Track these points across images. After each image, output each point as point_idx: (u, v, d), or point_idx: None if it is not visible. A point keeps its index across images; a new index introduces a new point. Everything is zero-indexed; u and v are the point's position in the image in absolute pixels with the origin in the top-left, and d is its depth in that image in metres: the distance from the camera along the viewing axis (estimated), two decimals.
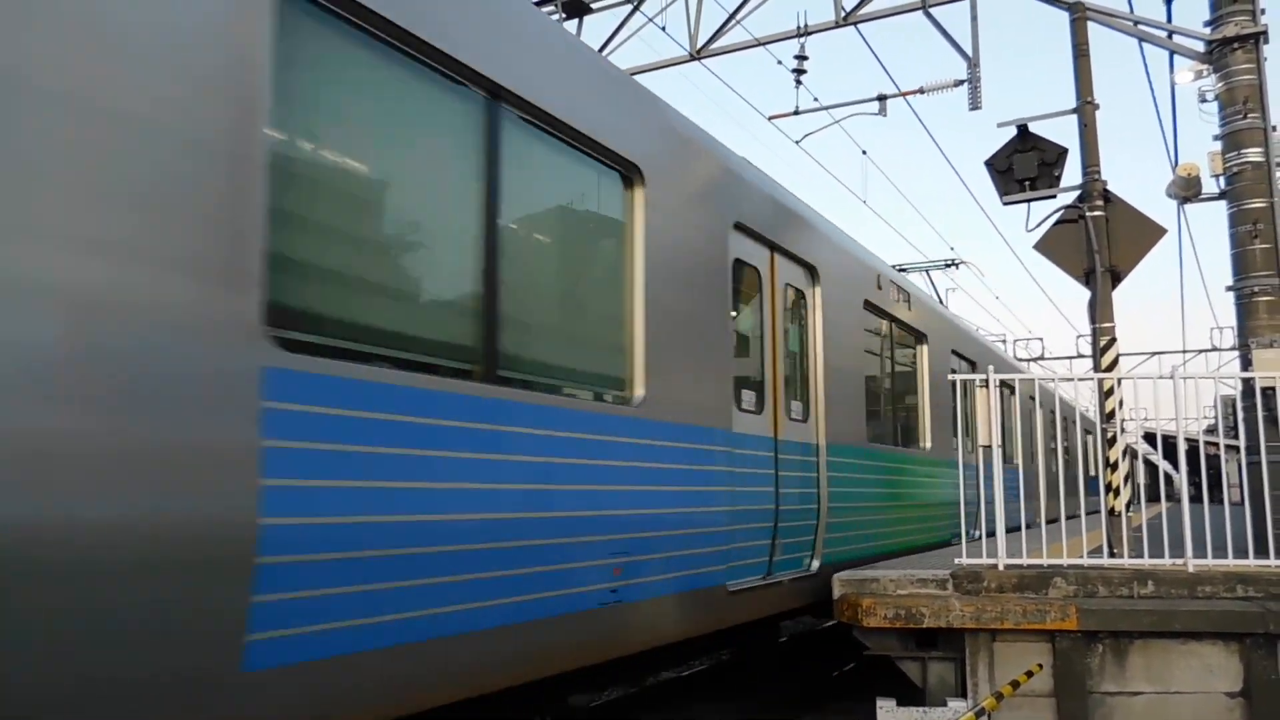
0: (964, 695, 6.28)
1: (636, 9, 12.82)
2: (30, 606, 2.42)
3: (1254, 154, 8.14)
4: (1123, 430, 7.66)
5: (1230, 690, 6.00)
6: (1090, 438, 23.95)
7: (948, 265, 16.11)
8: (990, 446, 6.90)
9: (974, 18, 10.85)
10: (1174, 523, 6.77)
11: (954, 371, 11.94)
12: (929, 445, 10.63)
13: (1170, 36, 8.93)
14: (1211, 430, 32.23)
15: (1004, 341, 33.42)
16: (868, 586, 6.79)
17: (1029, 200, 8.73)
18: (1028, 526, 7.26)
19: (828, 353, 7.83)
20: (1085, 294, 8.20)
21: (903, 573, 6.83)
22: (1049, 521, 7.29)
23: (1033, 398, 16.03)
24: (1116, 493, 7.49)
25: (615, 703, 8.69)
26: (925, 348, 10.83)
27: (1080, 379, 8.43)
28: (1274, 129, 8.57)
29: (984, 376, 6.89)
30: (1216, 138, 8.55)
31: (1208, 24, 8.46)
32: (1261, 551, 6.54)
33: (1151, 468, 37.29)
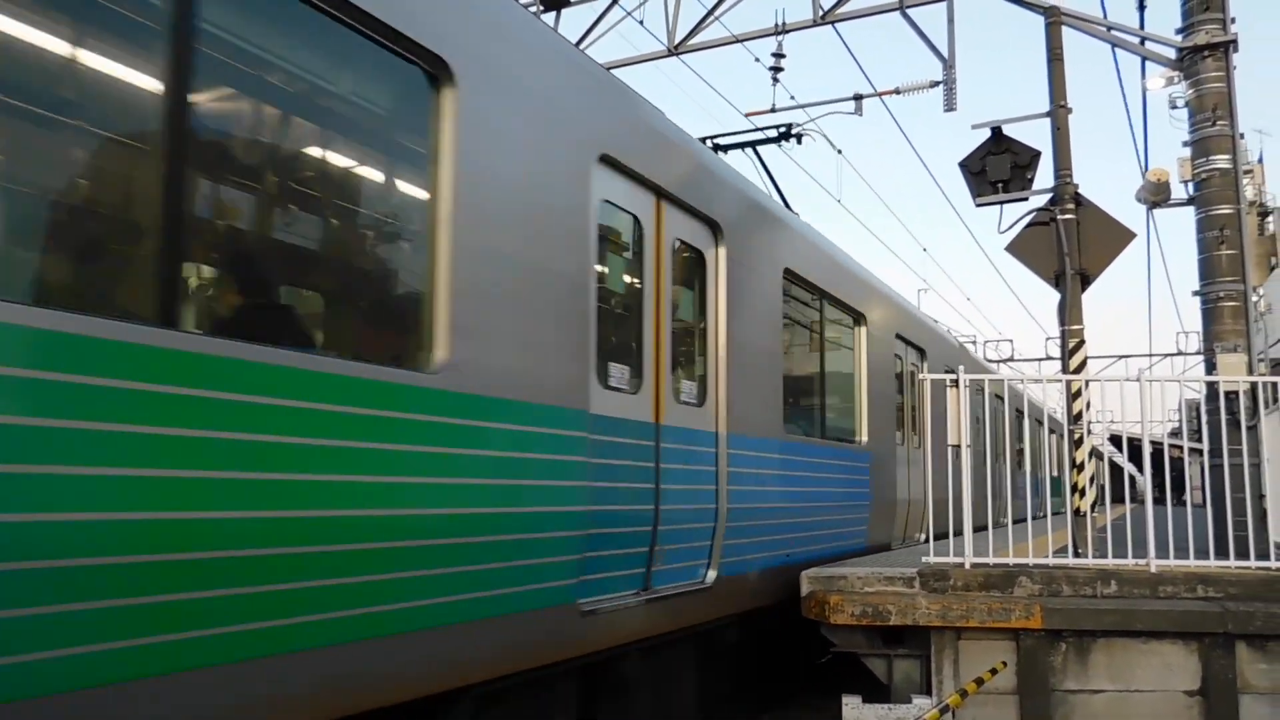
0: (929, 692, 6.32)
1: (615, 3, 12.77)
2: None
3: (1222, 160, 8.25)
4: (1089, 432, 7.74)
5: (1189, 689, 6.09)
6: (1037, 427, 20.85)
7: (783, 137, 11.97)
8: (960, 446, 6.92)
9: (950, 19, 10.89)
10: (1137, 524, 6.85)
11: (677, 243, 6.31)
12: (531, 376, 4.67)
13: (1143, 43, 9.03)
14: (1175, 433, 32.72)
15: (974, 342, 33.68)
16: (835, 584, 6.81)
17: (1001, 202, 8.80)
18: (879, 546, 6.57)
19: None
20: (1054, 297, 8.28)
21: (870, 570, 6.86)
22: (937, 536, 6.37)
23: (903, 337, 11.22)
24: (1082, 493, 7.58)
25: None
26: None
27: (1049, 380, 8.51)
28: (1242, 136, 8.70)
29: (954, 376, 6.92)
30: (1186, 144, 8.66)
31: (1179, 32, 8.55)
32: (1222, 553, 6.64)
33: (1115, 469, 37.75)
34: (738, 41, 12.34)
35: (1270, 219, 28.49)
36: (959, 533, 6.82)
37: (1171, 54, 8.64)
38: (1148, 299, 39.13)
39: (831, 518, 8.55)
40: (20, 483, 2.56)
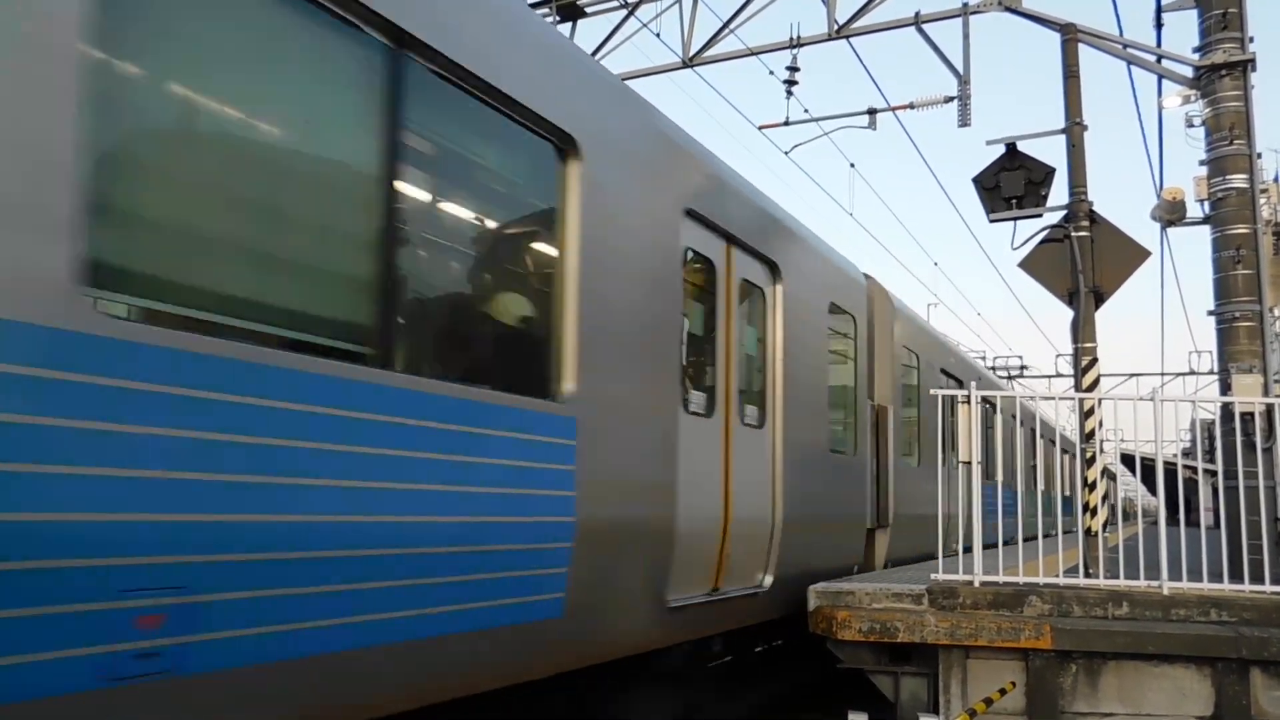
0: (936, 711, 6.25)
1: (631, 14, 12.80)
2: None
3: (1239, 180, 8.19)
4: (1101, 450, 7.68)
5: (1202, 714, 6.00)
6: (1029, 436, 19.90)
7: None
8: (971, 463, 6.87)
9: (966, 35, 10.89)
10: (1149, 545, 6.78)
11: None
12: None
13: (1159, 61, 8.99)
14: (1186, 453, 32.48)
15: (984, 358, 33.57)
16: (843, 599, 6.76)
17: (1015, 219, 8.76)
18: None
19: None
20: (1065, 313, 8.23)
21: (878, 586, 6.81)
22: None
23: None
24: (1094, 512, 7.51)
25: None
26: None
27: (1061, 398, 8.46)
28: (1259, 156, 8.64)
29: (966, 393, 6.86)
30: (1202, 163, 8.61)
31: (1196, 50, 8.51)
32: (1236, 576, 6.56)
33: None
34: (752, 54, 12.34)
35: None
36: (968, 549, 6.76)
37: (1189, 73, 8.59)
38: (1161, 318, 39.02)
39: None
40: None
